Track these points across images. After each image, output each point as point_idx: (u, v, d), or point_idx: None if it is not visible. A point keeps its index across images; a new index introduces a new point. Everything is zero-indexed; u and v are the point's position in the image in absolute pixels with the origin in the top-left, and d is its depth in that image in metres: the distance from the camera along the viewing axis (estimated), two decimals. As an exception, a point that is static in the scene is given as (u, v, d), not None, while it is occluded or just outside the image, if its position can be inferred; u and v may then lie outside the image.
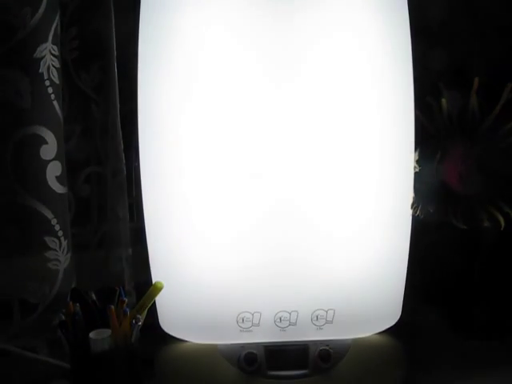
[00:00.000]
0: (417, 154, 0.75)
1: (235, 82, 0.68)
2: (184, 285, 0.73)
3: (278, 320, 0.73)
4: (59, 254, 0.75)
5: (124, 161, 0.81)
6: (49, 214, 0.74)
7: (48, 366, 0.75)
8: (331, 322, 0.73)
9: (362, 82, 0.70)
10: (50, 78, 0.73)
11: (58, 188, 0.75)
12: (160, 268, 0.76)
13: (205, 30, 0.69)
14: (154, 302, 0.73)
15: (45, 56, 0.72)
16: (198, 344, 0.75)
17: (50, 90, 0.73)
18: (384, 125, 0.71)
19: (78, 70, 0.80)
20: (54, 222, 0.75)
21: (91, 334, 0.68)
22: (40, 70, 0.72)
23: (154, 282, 0.73)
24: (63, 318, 0.71)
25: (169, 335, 0.76)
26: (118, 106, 0.80)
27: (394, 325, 0.77)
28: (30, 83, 0.71)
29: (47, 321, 0.73)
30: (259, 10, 0.68)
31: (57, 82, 0.74)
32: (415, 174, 0.75)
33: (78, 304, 0.71)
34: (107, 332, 0.68)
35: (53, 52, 0.73)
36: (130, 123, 0.79)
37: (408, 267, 0.76)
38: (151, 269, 0.76)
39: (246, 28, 0.68)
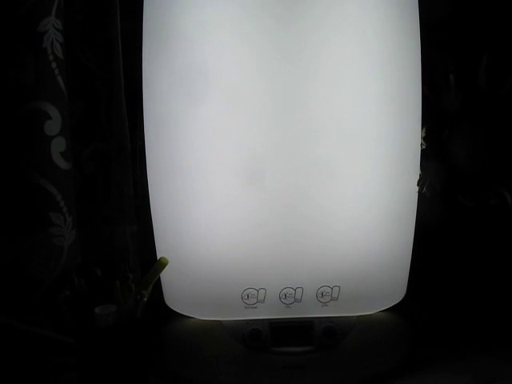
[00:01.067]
0: (424, 131, 0.75)
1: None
2: (189, 261, 0.73)
3: (283, 296, 0.73)
4: (64, 230, 0.75)
5: (129, 137, 0.80)
6: (53, 190, 0.74)
7: (53, 342, 0.75)
8: (336, 298, 0.73)
9: (369, 59, 0.69)
10: (53, 53, 0.72)
11: (63, 164, 0.74)
12: (165, 244, 0.76)
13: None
14: (159, 279, 0.74)
15: (48, 30, 0.71)
16: (202, 320, 0.75)
17: (54, 64, 0.72)
18: (392, 100, 0.71)
19: (82, 46, 0.79)
20: (58, 197, 0.74)
21: (96, 310, 0.68)
22: (43, 45, 0.71)
23: (158, 258, 0.74)
24: (68, 293, 0.71)
25: (173, 311, 0.76)
26: (123, 82, 0.80)
27: (399, 302, 0.76)
28: (33, 58, 0.71)
29: (52, 296, 0.73)
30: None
31: (61, 57, 0.73)
32: (422, 151, 0.75)
33: (83, 279, 0.72)
34: (112, 307, 0.68)
35: (56, 26, 0.72)
36: (134, 101, 0.79)
37: (414, 245, 0.76)
38: (156, 245, 0.76)
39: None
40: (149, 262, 0.75)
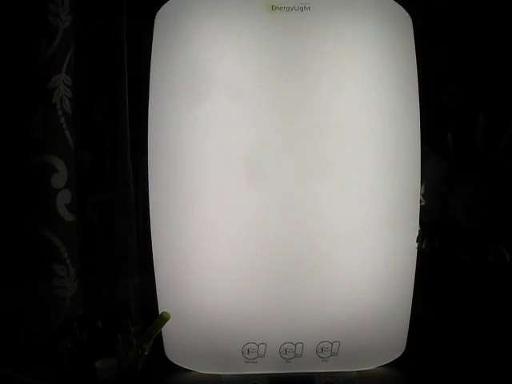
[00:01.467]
0: (423, 187, 0.76)
1: (244, 112, 0.71)
2: (190, 314, 0.73)
3: (284, 351, 0.73)
4: (67, 281, 0.76)
5: (133, 189, 0.82)
6: (57, 242, 0.75)
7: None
8: (336, 354, 0.73)
9: (369, 116, 0.72)
10: (62, 108, 0.74)
11: (68, 216, 0.75)
12: (166, 297, 0.76)
13: (215, 60, 0.71)
14: (160, 331, 0.74)
15: (58, 86, 0.73)
16: (203, 374, 0.75)
17: (63, 119, 0.74)
18: (391, 157, 0.73)
19: (89, 99, 0.81)
20: (62, 249, 0.75)
21: (97, 363, 0.68)
22: (53, 100, 0.73)
23: (160, 311, 0.74)
24: (69, 345, 0.71)
25: (174, 364, 0.76)
26: (129, 135, 0.81)
27: (399, 357, 0.77)
28: (43, 113, 0.73)
29: (53, 348, 0.73)
30: (270, 45, 0.71)
31: (69, 111, 0.75)
32: (421, 207, 0.76)
33: (84, 332, 0.72)
34: (113, 361, 0.69)
35: (66, 82, 0.74)
36: (140, 150, 0.80)
37: (413, 300, 0.76)
38: (158, 297, 0.76)
39: (256, 61, 0.71)
40: (150, 314, 0.76)
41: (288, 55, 0.71)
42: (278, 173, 0.71)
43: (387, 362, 0.76)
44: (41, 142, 0.73)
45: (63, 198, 0.75)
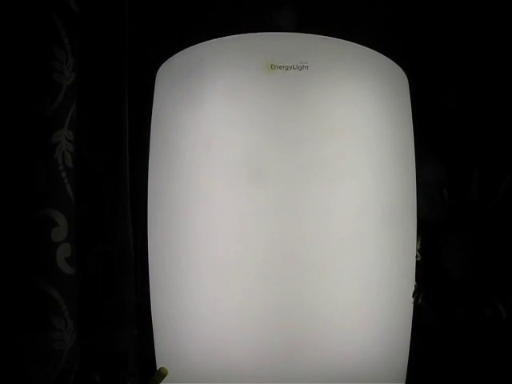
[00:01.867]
0: (419, 243, 0.77)
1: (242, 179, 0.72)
2: (188, 369, 0.73)
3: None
4: (65, 334, 0.75)
5: (132, 241, 0.82)
6: (56, 295, 0.74)
7: None
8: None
9: (365, 175, 0.74)
10: (64, 163, 0.75)
11: (67, 269, 0.76)
12: (165, 350, 0.76)
13: (214, 118, 0.73)
14: (158, 385, 0.74)
15: (60, 142, 0.74)
16: (200, 430, 0.74)
17: (64, 174, 0.75)
18: (388, 213, 0.74)
19: (90, 151, 0.82)
20: (61, 302, 0.75)
21: (94, 420, 0.68)
22: (55, 155, 0.74)
23: (158, 364, 0.74)
24: (67, 401, 0.71)
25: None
26: (129, 186, 0.83)
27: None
28: (45, 167, 0.73)
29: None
30: (269, 104, 0.73)
31: (70, 166, 0.76)
32: (417, 262, 0.77)
33: (81, 388, 0.72)
34: (110, 418, 0.68)
35: (68, 137, 0.75)
36: (139, 200, 0.81)
37: (410, 354, 0.77)
38: (155, 350, 0.77)
39: (255, 119, 0.72)
40: (148, 365, 0.76)
41: (287, 113, 0.73)
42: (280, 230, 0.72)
43: None
44: (42, 196, 0.73)
45: (63, 252, 0.75)
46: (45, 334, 0.75)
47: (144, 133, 0.77)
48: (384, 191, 0.74)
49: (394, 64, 0.77)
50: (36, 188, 0.73)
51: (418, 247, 0.77)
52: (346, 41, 0.75)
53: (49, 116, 0.73)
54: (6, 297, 0.74)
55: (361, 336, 0.74)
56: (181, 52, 0.76)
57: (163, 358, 0.75)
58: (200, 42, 0.75)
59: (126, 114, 0.81)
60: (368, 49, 0.76)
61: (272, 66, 0.73)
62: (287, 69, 0.73)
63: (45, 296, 0.74)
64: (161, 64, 0.77)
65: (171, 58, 0.77)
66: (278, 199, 0.72)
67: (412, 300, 0.76)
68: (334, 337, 0.73)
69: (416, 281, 0.76)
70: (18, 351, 0.74)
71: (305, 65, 0.73)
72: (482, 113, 0.86)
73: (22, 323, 0.74)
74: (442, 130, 0.86)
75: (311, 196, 0.72)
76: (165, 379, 0.71)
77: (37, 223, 0.73)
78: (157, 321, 0.77)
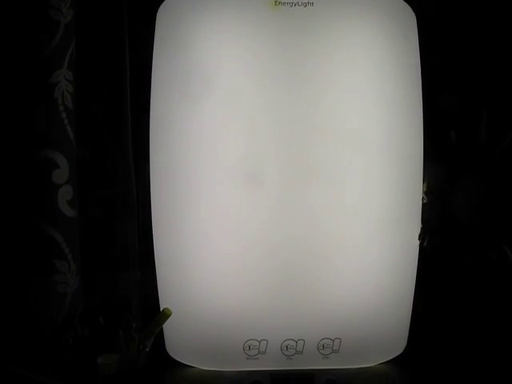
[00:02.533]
0: (425, 185, 0.76)
1: (243, 108, 0.70)
2: (191, 311, 0.73)
3: (285, 348, 0.73)
4: (68, 277, 0.75)
5: (134, 185, 0.81)
6: (59, 238, 0.74)
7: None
8: (337, 351, 0.74)
9: (372, 114, 0.72)
10: (64, 104, 0.73)
11: (69, 212, 0.75)
12: (168, 293, 0.76)
13: (217, 56, 0.71)
14: (162, 327, 0.74)
15: (60, 82, 0.73)
16: (204, 370, 0.75)
17: (64, 114, 0.74)
18: (394, 153, 0.73)
19: (90, 94, 0.81)
20: (63, 245, 0.75)
21: (99, 359, 0.68)
22: (55, 96, 0.72)
23: (161, 307, 0.74)
24: (71, 341, 0.71)
25: (175, 360, 0.76)
26: (130, 129, 0.81)
27: (400, 354, 0.77)
28: (44, 108, 0.72)
29: (55, 344, 0.73)
30: (272, 40, 0.71)
31: (70, 107, 0.75)
32: (423, 205, 0.76)
33: (86, 328, 0.72)
34: (115, 357, 0.68)
35: (68, 78, 0.74)
36: (141, 147, 0.80)
37: (414, 297, 0.77)
38: (159, 294, 0.76)
39: (258, 56, 0.71)
40: (151, 310, 0.76)
41: (291, 51, 0.71)
42: (280, 173, 0.71)
43: (388, 359, 0.76)
44: (42, 138, 0.72)
45: (65, 194, 0.74)
46: (48, 277, 0.75)
47: (145, 74, 0.75)
48: (390, 131, 0.72)
49: (402, 1, 0.75)
50: (36, 129, 0.72)
51: (424, 189, 0.76)
52: (352, -24, 0.72)
53: (47, 55, 0.71)
54: (7, 239, 0.73)
55: (365, 279, 0.73)
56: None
57: (167, 302, 0.75)
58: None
59: (126, 55, 0.79)
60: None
61: (276, 2, 0.71)
62: (292, 5, 0.71)
63: (47, 238, 0.74)
64: (161, 2, 0.75)
65: (171, -5, 0.75)
66: (283, 137, 0.70)
67: (418, 242, 0.75)
68: (338, 280, 0.73)
69: (422, 223, 0.75)
70: (22, 295, 0.75)
71: (310, 1, 0.71)
72: (492, 54, 0.83)
73: (24, 266, 0.74)
74: (450, 71, 0.83)
75: (316, 134, 0.71)
76: (168, 320, 0.71)
77: (37, 165, 0.73)
78: (160, 265, 0.76)
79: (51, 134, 0.73)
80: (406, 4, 0.75)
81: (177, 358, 0.76)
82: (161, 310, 0.74)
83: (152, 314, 0.74)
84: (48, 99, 0.72)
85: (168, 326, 0.75)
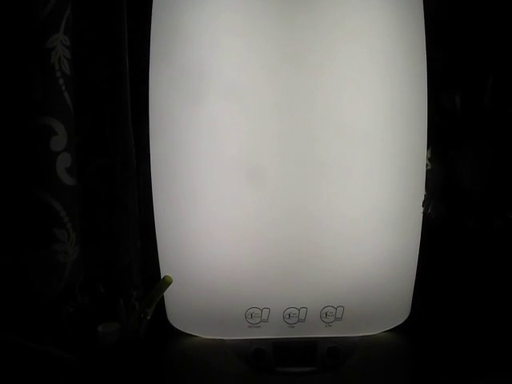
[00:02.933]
0: (429, 151, 0.74)
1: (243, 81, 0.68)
2: (193, 279, 0.73)
3: (287, 316, 0.72)
4: (68, 246, 0.75)
5: (134, 154, 0.80)
6: (58, 206, 0.73)
7: (55, 359, 0.74)
8: (340, 319, 0.73)
9: (374, 78, 0.69)
10: (61, 69, 0.72)
11: (68, 180, 0.74)
12: (169, 262, 0.75)
13: (215, 31, 0.69)
14: (163, 296, 0.73)
15: (56, 47, 0.71)
16: (205, 339, 0.75)
17: (61, 81, 0.72)
18: (396, 121, 0.71)
19: (89, 62, 0.79)
20: (62, 213, 0.74)
21: (99, 328, 0.68)
22: (51, 61, 0.71)
23: (162, 276, 0.73)
24: (71, 310, 0.71)
25: (176, 329, 0.76)
26: (129, 99, 0.80)
27: (403, 322, 0.76)
28: (40, 74, 0.71)
29: (55, 313, 0.73)
30: (269, 15, 0.67)
31: (68, 73, 0.73)
32: (427, 171, 0.75)
33: (86, 296, 0.71)
34: (115, 325, 0.68)
35: (64, 43, 0.72)
36: (141, 117, 0.79)
37: (418, 265, 0.76)
38: (160, 262, 0.76)
39: (255, 32, 0.68)
40: (152, 278, 0.75)
41: (292, 19, 0.67)
42: (279, 143, 0.69)
43: (391, 327, 0.76)
44: (39, 104, 0.71)
45: (63, 162, 0.73)
46: (47, 246, 0.74)
47: (144, 39, 0.73)
48: (393, 99, 0.71)
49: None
50: (32, 95, 0.71)
51: (429, 156, 0.74)
52: None
53: (42, 19, 0.70)
54: (4, 208, 0.72)
55: (368, 247, 0.72)
56: None
57: (167, 271, 0.74)
58: None
59: (124, 21, 0.78)
60: None
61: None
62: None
63: (46, 207, 0.73)
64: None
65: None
66: (287, 107, 0.68)
67: (422, 210, 0.74)
68: (341, 248, 0.72)
69: (426, 190, 0.74)
70: (22, 264, 0.74)
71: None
72: (498, 18, 0.82)
73: (22, 235, 0.74)
74: (455, 37, 0.82)
75: (320, 104, 0.69)
76: (169, 288, 0.70)
77: (34, 132, 0.71)
78: (161, 233, 0.76)
79: (48, 100, 0.71)
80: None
81: (178, 327, 0.76)
82: (162, 278, 0.73)
83: (153, 282, 0.73)
84: (44, 65, 0.71)
85: (169, 295, 0.75)
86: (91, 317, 0.69)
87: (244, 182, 0.70)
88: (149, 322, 0.71)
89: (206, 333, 0.75)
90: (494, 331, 0.77)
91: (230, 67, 0.68)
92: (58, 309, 0.73)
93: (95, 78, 0.79)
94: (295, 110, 0.68)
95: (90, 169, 0.80)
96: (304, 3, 0.67)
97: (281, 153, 0.69)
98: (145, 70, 0.73)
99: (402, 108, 0.71)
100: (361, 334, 0.74)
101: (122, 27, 0.78)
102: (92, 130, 0.80)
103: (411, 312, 0.77)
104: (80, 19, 0.77)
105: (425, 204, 0.74)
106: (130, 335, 0.68)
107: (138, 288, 0.73)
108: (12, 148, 0.72)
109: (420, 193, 0.74)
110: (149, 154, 0.74)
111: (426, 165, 0.74)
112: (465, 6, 0.83)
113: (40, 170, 0.72)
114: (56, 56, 0.71)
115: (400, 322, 0.76)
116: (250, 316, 0.72)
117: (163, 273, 0.75)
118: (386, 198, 0.72)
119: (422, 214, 0.75)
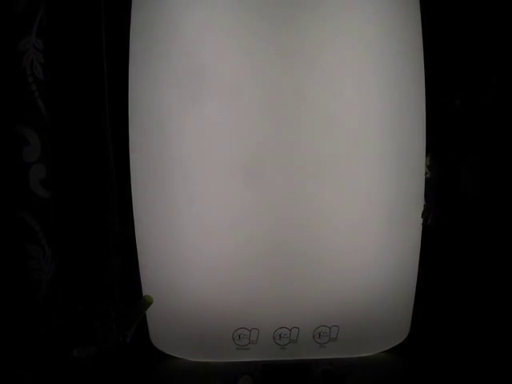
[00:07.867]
0: (428, 159, 0.71)
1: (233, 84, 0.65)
2: (176, 298, 0.70)
3: (278, 337, 0.70)
4: (43, 263, 0.71)
5: (113, 162, 0.76)
6: (31, 221, 0.70)
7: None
8: (335, 339, 0.70)
9: (374, 83, 0.67)
10: (33, 74, 0.68)
11: (42, 192, 0.70)
12: (151, 279, 0.72)
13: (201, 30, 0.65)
14: (144, 316, 0.71)
15: (28, 50, 0.67)
16: (191, 361, 0.72)
17: (34, 87, 0.68)
18: (396, 127, 0.68)
19: (65, 66, 0.75)
20: (37, 228, 0.70)
21: (74, 352, 0.64)
22: (22, 65, 0.67)
23: (143, 295, 0.70)
24: (43, 330, 0.67)
25: (160, 351, 0.73)
26: (107, 106, 0.76)
27: (402, 342, 0.74)
28: (10, 79, 0.67)
29: (28, 332, 0.68)
30: (258, 13, 0.65)
31: (41, 78, 0.69)
32: (426, 180, 0.71)
33: (61, 318, 0.68)
34: (91, 349, 0.65)
35: (37, 46, 0.68)
36: (120, 125, 0.75)
37: (418, 278, 0.73)
38: (141, 280, 0.73)
39: (250, 31, 0.65)
40: (134, 297, 0.72)
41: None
42: (271, 145, 0.66)
43: (390, 347, 0.73)
44: (9, 112, 0.67)
45: (37, 173, 0.70)
46: (21, 263, 0.70)
47: (123, 40, 0.70)
48: (391, 100, 0.67)
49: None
50: (1, 102, 0.67)
51: (428, 163, 0.71)
52: None
53: (11, 20, 0.66)
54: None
55: (364, 262, 0.69)
56: None
57: (150, 289, 0.71)
58: None
59: (102, 21, 0.74)
60: None
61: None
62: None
63: (18, 221, 0.69)
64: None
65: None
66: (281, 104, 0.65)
67: (421, 221, 0.70)
68: (335, 263, 0.68)
69: (425, 200, 0.70)
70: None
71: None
72: (498, 18, 0.78)
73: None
74: (454, 36, 0.78)
75: (313, 100, 0.65)
76: (151, 307, 0.66)
77: (4, 141, 0.68)
78: (142, 250, 0.72)
79: (19, 108, 0.68)
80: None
81: (161, 349, 0.73)
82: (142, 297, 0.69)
83: (135, 300, 0.70)
84: (14, 69, 0.67)
85: (152, 315, 0.72)
86: (66, 340, 0.65)
87: (231, 199, 0.67)
88: (130, 344, 0.67)
89: (191, 355, 0.72)
90: (496, 352, 0.73)
91: (216, 66, 0.65)
92: (30, 328, 0.68)
93: (71, 83, 0.75)
94: (289, 112, 0.65)
95: (66, 180, 0.76)
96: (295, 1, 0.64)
97: (271, 159, 0.66)
98: (124, 72, 0.70)
99: (400, 112, 0.67)
100: (357, 356, 0.72)
101: (100, 28, 0.75)
102: (68, 138, 0.76)
103: (411, 330, 0.74)
104: (55, 20, 0.73)
105: (424, 215, 0.70)
106: (108, 359, 0.64)
107: (118, 307, 0.69)
108: (-20, 159, 0.68)
109: (419, 203, 0.71)
110: (128, 163, 0.71)
111: (425, 173, 0.71)
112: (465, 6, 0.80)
113: (11, 182, 0.68)
114: (28, 60, 0.67)
115: (399, 342, 0.74)
116: (237, 337, 0.70)
117: (145, 291, 0.72)
118: (384, 211, 0.69)
119: (421, 226, 0.71)
